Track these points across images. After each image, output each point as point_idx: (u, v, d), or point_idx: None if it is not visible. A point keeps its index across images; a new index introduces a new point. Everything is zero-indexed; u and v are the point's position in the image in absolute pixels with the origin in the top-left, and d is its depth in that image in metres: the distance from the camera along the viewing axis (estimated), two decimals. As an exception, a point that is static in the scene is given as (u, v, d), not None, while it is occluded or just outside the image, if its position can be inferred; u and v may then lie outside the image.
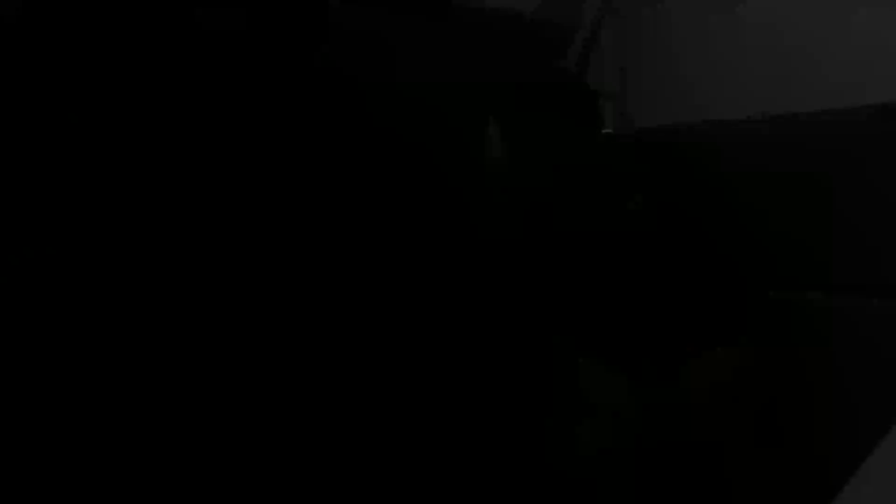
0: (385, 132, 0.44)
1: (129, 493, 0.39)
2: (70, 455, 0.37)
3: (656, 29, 1.88)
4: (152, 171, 0.35)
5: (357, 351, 0.39)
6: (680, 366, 1.39)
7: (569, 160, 1.42)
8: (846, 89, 1.46)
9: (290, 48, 0.43)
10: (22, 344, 0.35)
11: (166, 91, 0.35)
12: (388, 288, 0.39)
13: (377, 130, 0.43)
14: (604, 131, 1.58)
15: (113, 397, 0.37)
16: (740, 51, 1.67)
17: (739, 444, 1.48)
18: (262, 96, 0.38)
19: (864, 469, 0.74)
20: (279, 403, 0.38)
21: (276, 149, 0.38)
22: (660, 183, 1.46)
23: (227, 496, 0.41)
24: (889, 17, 1.39)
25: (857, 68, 1.46)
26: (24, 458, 0.36)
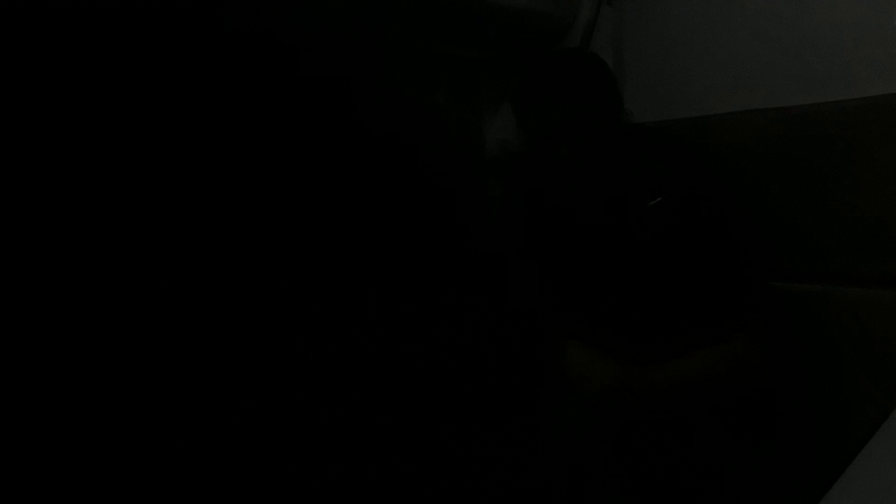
0: (381, 130, 0.44)
1: (127, 493, 0.40)
2: (68, 454, 0.38)
3: (654, 22, 1.88)
4: (150, 170, 0.35)
5: (352, 346, 0.40)
6: (679, 354, 1.39)
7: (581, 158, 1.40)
8: (841, 81, 1.46)
9: (289, 47, 0.43)
10: (19, 343, 0.36)
11: (165, 90, 0.35)
12: (384, 278, 0.40)
13: (372, 129, 0.43)
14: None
15: (107, 398, 0.38)
16: (738, 44, 1.67)
17: (734, 432, 1.49)
18: (257, 93, 0.39)
19: (859, 458, 0.75)
20: (277, 401, 0.39)
21: (271, 148, 0.38)
22: (660, 176, 1.46)
23: (224, 496, 0.42)
24: (882, 9, 1.39)
25: (851, 60, 1.46)
26: (22, 456, 0.37)
